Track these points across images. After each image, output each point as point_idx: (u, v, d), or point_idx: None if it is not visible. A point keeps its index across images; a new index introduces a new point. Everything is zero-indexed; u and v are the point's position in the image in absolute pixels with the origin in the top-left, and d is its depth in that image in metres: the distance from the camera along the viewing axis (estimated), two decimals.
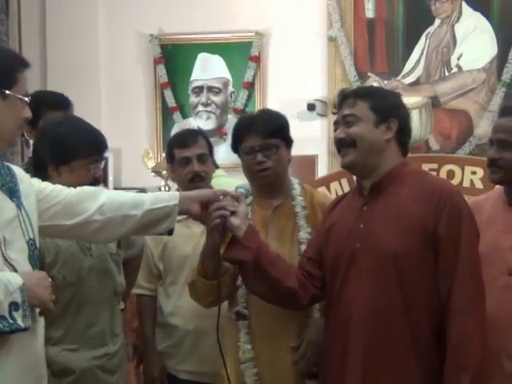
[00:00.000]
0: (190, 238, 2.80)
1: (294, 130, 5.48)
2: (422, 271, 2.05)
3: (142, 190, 5.22)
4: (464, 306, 2.00)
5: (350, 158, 2.16)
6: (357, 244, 2.13)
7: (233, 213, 2.19)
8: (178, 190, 3.00)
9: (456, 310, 2.01)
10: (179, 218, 2.81)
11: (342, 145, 2.18)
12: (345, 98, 2.20)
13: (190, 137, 2.94)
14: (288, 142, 2.50)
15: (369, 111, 2.14)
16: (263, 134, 2.41)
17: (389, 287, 2.06)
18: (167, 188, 4.75)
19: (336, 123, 2.23)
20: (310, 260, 2.29)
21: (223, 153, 5.06)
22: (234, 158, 2.56)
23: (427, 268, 2.05)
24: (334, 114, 2.28)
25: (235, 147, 2.50)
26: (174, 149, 2.92)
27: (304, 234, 2.44)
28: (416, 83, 5.13)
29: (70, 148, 2.36)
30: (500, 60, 5.02)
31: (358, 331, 2.09)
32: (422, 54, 5.13)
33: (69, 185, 2.36)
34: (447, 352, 2.00)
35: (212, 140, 5.15)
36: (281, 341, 2.38)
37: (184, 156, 2.88)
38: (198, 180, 2.87)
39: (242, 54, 5.34)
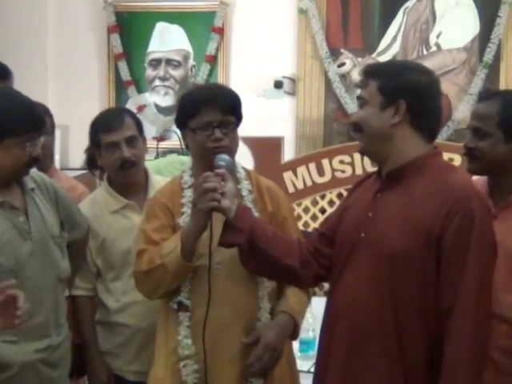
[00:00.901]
0: (130, 230, 2.77)
1: (260, 110, 5.54)
2: (420, 279, 2.03)
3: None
4: (464, 330, 1.97)
5: (360, 144, 2.18)
6: (361, 233, 2.14)
7: (221, 194, 2.22)
8: (108, 177, 2.97)
9: (453, 334, 1.98)
10: (116, 207, 2.91)
11: (353, 129, 2.20)
12: (363, 76, 2.18)
13: (115, 118, 2.87)
14: (240, 121, 2.51)
15: (377, 92, 2.11)
16: (223, 109, 2.41)
17: (380, 290, 2.06)
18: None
19: None
20: (322, 236, 2.33)
21: None
22: None
23: (425, 277, 2.02)
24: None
25: (183, 122, 2.46)
26: (99, 133, 2.86)
27: None
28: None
29: (2, 124, 2.30)
30: (482, 39, 4.98)
31: (342, 330, 2.12)
32: (399, 30, 5.11)
33: (3, 165, 2.35)
34: (442, 373, 1.99)
35: (170, 118, 5.22)
36: (227, 334, 2.39)
37: (111, 141, 2.83)
38: (129, 166, 2.84)
39: (205, 24, 5.30)
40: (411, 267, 2.03)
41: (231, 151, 2.43)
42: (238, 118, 2.49)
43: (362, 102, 2.16)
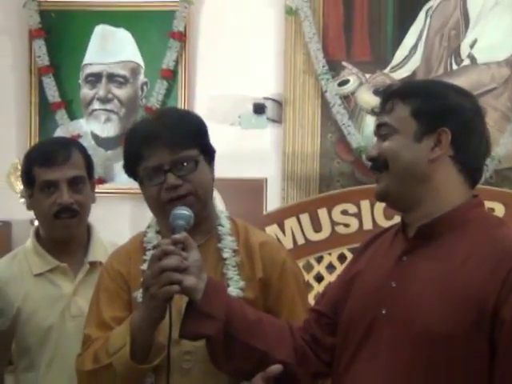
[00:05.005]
0: (56, 301, 2.76)
1: (234, 142, 5.54)
2: (468, 370, 2.00)
3: (6, 224, 5.14)
4: None
5: (380, 185, 2.19)
6: (382, 309, 2.13)
7: (183, 270, 2.18)
8: (36, 230, 2.97)
9: None
10: (41, 269, 2.92)
11: (373, 166, 2.21)
12: (385, 98, 2.21)
13: (58, 150, 2.86)
14: (209, 152, 2.49)
15: (410, 118, 2.14)
16: (173, 145, 2.38)
17: None
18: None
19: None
20: (320, 317, 2.32)
21: None
22: None
23: (474, 367, 2.00)
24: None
25: (131, 169, 2.46)
26: (34, 167, 2.86)
27: (235, 289, 2.42)
28: (411, 79, 5.05)
29: None
30: None
31: None
32: (419, 37, 5.18)
33: None
34: None
35: (113, 153, 5.28)
36: None
37: (48, 179, 2.83)
38: (69, 216, 2.83)
39: (160, 28, 5.37)
40: (455, 353, 2.01)
41: (197, 198, 2.40)
42: (204, 149, 2.45)
43: (387, 130, 2.17)
